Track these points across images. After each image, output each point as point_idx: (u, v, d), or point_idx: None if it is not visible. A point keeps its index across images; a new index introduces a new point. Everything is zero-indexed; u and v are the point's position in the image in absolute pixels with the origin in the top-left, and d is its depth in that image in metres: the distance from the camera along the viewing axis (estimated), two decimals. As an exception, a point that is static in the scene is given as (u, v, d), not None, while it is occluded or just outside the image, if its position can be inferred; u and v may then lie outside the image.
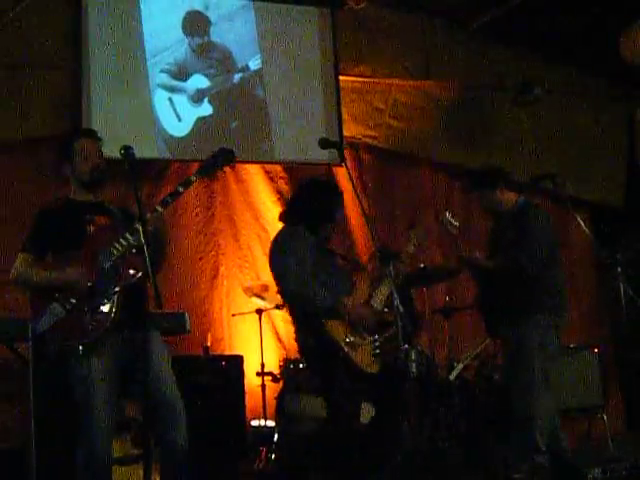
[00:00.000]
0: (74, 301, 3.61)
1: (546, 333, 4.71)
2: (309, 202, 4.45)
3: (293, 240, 4.29)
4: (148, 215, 3.61)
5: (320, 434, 4.46)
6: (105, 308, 3.60)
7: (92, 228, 3.76)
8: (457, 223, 4.93)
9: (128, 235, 3.62)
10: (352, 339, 4.12)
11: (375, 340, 4.22)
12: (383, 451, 4.32)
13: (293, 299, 4.29)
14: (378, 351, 4.20)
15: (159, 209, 3.67)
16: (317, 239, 4.37)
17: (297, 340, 4.39)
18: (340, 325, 4.13)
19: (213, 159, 3.85)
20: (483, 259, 4.87)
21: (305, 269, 4.16)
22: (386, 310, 4.31)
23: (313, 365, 4.44)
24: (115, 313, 3.59)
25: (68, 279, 3.63)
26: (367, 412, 4.35)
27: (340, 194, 4.61)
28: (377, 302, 4.31)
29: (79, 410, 3.64)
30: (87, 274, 3.62)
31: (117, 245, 3.63)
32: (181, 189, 3.73)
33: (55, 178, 5.86)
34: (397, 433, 4.42)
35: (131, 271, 3.62)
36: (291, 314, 4.45)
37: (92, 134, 3.96)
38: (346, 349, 4.08)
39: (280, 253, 4.29)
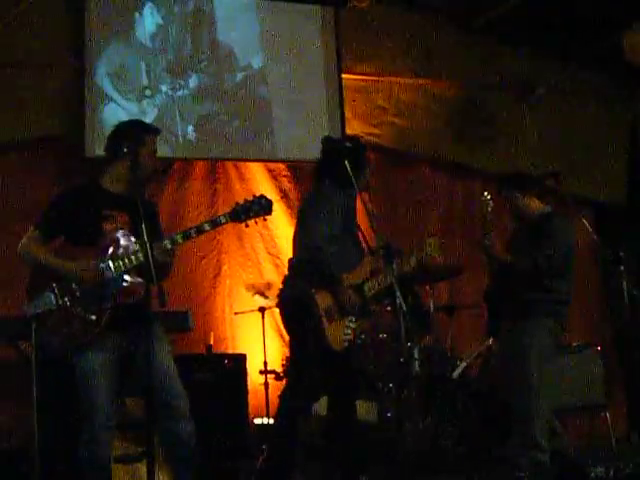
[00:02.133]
0: (67, 300, 3.61)
1: (547, 336, 4.75)
2: (337, 156, 4.34)
3: (326, 199, 4.31)
4: (165, 241, 3.62)
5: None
6: (94, 317, 3.61)
7: (109, 226, 3.71)
8: (491, 207, 4.93)
9: (134, 257, 3.62)
10: (332, 312, 4.16)
11: (351, 322, 4.22)
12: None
13: (307, 256, 4.25)
14: (349, 332, 4.20)
15: (179, 240, 3.63)
16: (350, 198, 4.37)
17: (283, 290, 4.39)
18: (328, 296, 4.17)
19: (249, 204, 3.70)
20: (502, 252, 4.89)
21: (330, 232, 4.18)
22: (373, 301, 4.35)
23: (288, 323, 4.38)
24: (102, 324, 3.59)
25: (72, 271, 3.62)
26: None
27: (363, 144, 4.62)
28: (368, 290, 4.33)
29: (80, 405, 3.65)
30: (92, 274, 3.61)
31: (125, 260, 3.63)
32: (207, 227, 3.67)
33: (56, 178, 5.90)
34: (351, 420, 4.35)
35: (130, 291, 3.65)
36: (293, 268, 4.42)
37: (157, 133, 3.91)
38: (323, 317, 4.11)
39: (312, 210, 4.33)
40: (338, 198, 4.33)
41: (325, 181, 4.43)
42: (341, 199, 4.34)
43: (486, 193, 4.98)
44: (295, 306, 4.25)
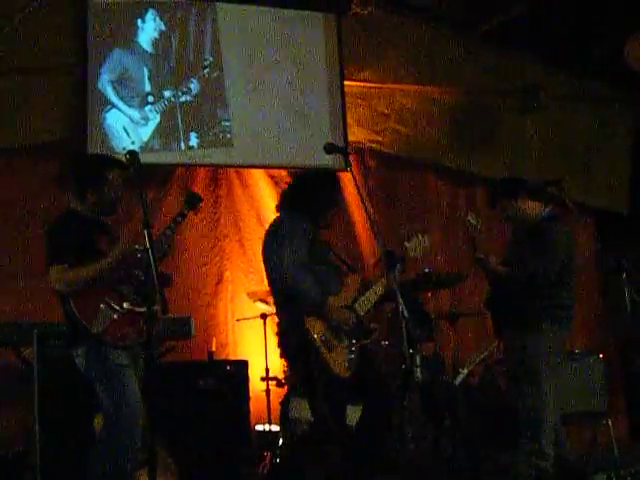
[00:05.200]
0: (126, 305, 3.80)
1: (552, 342, 4.75)
2: (309, 188, 4.36)
3: (292, 228, 4.17)
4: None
5: (310, 436, 4.37)
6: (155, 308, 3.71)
7: (103, 247, 3.93)
8: (478, 224, 4.91)
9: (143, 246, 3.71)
10: (329, 340, 4.03)
11: (352, 345, 4.12)
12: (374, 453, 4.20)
13: (284, 290, 4.16)
14: (353, 356, 4.09)
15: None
16: (315, 228, 4.29)
17: (279, 333, 4.28)
18: (320, 324, 4.03)
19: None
20: (496, 264, 4.86)
21: (301, 260, 4.06)
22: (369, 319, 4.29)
23: (292, 363, 4.32)
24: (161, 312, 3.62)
25: (123, 251, 3.81)
26: (353, 415, 4.27)
27: (338, 181, 4.55)
28: (361, 307, 4.23)
29: (110, 400, 3.78)
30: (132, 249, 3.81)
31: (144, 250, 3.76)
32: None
33: (60, 184, 5.91)
34: (384, 437, 4.29)
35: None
36: (277, 305, 4.36)
37: (122, 165, 4.01)
38: (321, 349, 3.97)
39: (277, 241, 4.19)
40: (306, 226, 4.21)
41: (292, 209, 4.34)
42: (309, 229, 4.22)
43: (470, 215, 4.94)
44: (293, 340, 4.11)
